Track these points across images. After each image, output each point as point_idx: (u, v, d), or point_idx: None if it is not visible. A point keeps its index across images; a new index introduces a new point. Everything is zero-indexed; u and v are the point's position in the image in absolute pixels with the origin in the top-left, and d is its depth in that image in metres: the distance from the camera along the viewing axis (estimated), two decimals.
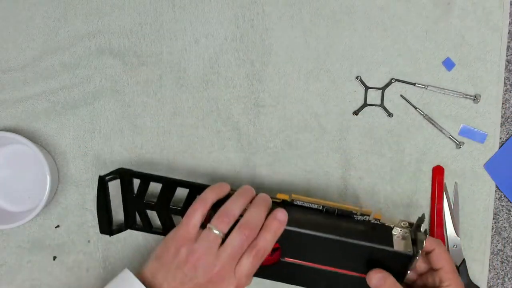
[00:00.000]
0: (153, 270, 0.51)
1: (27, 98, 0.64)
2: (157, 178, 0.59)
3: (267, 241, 0.51)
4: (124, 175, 0.59)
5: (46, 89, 0.65)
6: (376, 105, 0.65)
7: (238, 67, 0.65)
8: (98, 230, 0.64)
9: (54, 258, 0.64)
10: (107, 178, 0.58)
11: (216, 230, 0.50)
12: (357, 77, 0.65)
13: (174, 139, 0.65)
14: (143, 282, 0.50)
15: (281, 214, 0.52)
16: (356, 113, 0.65)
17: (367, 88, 0.65)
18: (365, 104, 0.65)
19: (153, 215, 0.60)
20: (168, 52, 0.65)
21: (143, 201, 0.59)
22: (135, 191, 0.59)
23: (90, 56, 0.65)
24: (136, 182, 0.59)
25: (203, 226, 0.52)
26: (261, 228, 0.52)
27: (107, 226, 0.60)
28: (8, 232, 0.64)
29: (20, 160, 0.64)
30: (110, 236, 0.61)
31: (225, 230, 0.51)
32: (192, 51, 0.65)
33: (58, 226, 0.64)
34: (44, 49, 0.65)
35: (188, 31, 0.65)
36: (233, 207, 0.52)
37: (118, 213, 0.62)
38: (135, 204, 0.60)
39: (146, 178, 0.59)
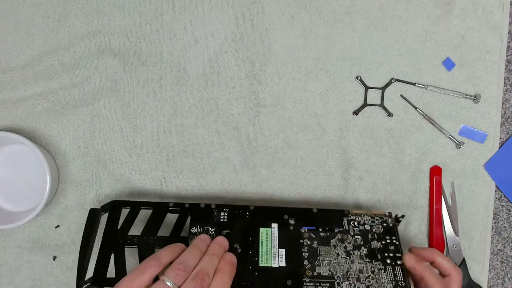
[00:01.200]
0: None
1: (27, 98, 0.64)
2: (147, 204, 0.57)
3: (223, 282, 0.50)
4: (115, 206, 0.57)
5: (46, 89, 0.65)
6: (376, 105, 0.65)
7: (238, 67, 0.65)
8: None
9: (54, 258, 0.64)
10: (101, 211, 0.57)
11: (169, 282, 0.47)
12: (357, 77, 0.65)
13: (174, 139, 0.65)
14: None
15: (231, 257, 0.52)
16: (356, 113, 0.65)
17: (367, 88, 0.65)
18: (365, 104, 0.65)
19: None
20: (168, 52, 0.65)
21: (127, 233, 0.55)
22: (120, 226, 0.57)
23: (90, 56, 0.65)
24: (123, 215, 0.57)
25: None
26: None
27: (81, 277, 0.55)
28: (8, 232, 0.64)
29: (20, 160, 0.64)
30: None
31: (180, 283, 0.48)
32: (192, 51, 0.65)
33: (58, 226, 0.64)
34: (44, 49, 0.65)
35: (188, 31, 0.65)
36: (188, 258, 0.50)
37: None
38: (115, 240, 0.55)
39: (137, 205, 0.57)
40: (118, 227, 0.56)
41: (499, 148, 0.65)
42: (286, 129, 0.65)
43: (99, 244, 0.55)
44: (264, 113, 0.65)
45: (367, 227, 0.57)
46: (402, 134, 0.65)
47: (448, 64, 0.65)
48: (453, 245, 0.65)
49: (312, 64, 0.65)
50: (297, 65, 0.65)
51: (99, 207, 0.63)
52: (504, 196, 0.66)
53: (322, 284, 0.53)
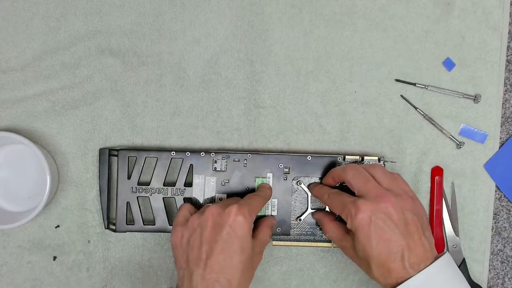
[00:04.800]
0: (181, 277, 0.54)
1: (27, 98, 0.64)
2: (152, 152, 0.62)
3: (266, 190, 0.61)
4: (123, 155, 0.62)
5: (46, 89, 0.64)
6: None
7: (238, 68, 0.65)
8: (98, 230, 0.64)
9: (54, 258, 0.64)
10: (110, 152, 0.62)
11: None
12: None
13: (174, 139, 0.65)
14: None
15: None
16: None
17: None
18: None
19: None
20: (168, 52, 0.65)
21: (137, 183, 0.61)
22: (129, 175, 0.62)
23: (90, 56, 0.65)
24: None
25: None
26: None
27: (109, 218, 0.63)
28: (8, 232, 0.64)
29: (20, 160, 0.64)
30: (115, 232, 0.62)
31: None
32: (192, 51, 0.65)
33: (58, 226, 0.64)
34: (44, 49, 0.64)
35: (188, 31, 0.65)
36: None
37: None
38: (129, 190, 0.62)
39: (142, 153, 0.62)
40: (128, 177, 0.62)
41: (499, 148, 0.65)
42: (287, 130, 0.65)
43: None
44: (264, 114, 0.65)
45: None
46: (403, 134, 0.65)
47: (448, 64, 0.65)
48: (453, 245, 0.65)
49: (312, 65, 0.65)
50: (297, 65, 0.65)
51: (99, 210, 0.64)
52: (504, 196, 0.66)
53: (306, 230, 0.62)
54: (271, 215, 0.62)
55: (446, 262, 0.51)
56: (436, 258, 0.51)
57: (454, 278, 0.51)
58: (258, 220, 0.60)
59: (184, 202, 0.62)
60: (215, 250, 0.51)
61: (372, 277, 0.52)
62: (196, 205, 0.62)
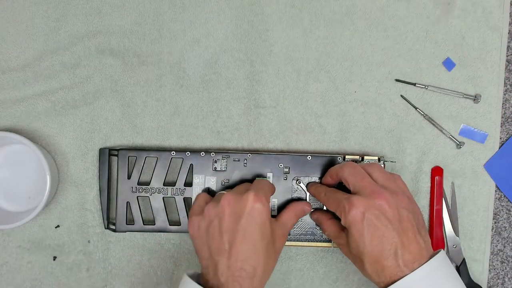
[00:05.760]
0: (204, 264, 0.53)
1: (27, 98, 0.64)
2: (152, 152, 0.62)
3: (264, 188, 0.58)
4: (123, 154, 0.62)
5: (46, 89, 0.64)
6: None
7: (238, 68, 0.65)
8: (98, 230, 0.64)
9: (54, 258, 0.64)
10: (110, 152, 0.62)
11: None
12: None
13: (174, 139, 0.65)
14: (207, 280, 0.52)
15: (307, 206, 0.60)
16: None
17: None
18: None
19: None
20: (168, 52, 0.65)
21: (137, 182, 0.61)
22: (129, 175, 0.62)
23: (90, 56, 0.65)
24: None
25: None
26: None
27: (109, 218, 0.63)
28: (8, 232, 0.64)
29: (20, 160, 0.64)
30: (115, 232, 0.62)
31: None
32: (192, 51, 0.65)
33: (58, 226, 0.64)
34: (44, 49, 0.64)
35: (188, 31, 0.65)
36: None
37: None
38: (129, 191, 0.62)
39: (142, 153, 0.62)
40: (128, 177, 0.62)
41: (499, 148, 0.65)
42: (287, 130, 0.65)
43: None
44: (264, 114, 0.65)
45: None
46: (403, 134, 0.65)
47: (448, 64, 0.65)
48: (453, 245, 0.65)
49: (312, 65, 0.65)
50: (297, 66, 0.65)
51: (99, 210, 0.64)
52: (504, 196, 0.66)
53: (306, 230, 0.62)
54: (307, 201, 0.62)
55: (440, 261, 0.50)
56: (431, 257, 0.50)
57: (449, 278, 0.50)
58: (289, 204, 0.60)
59: (184, 202, 0.62)
60: (237, 239, 0.51)
61: (365, 274, 0.52)
62: (212, 194, 0.61)
